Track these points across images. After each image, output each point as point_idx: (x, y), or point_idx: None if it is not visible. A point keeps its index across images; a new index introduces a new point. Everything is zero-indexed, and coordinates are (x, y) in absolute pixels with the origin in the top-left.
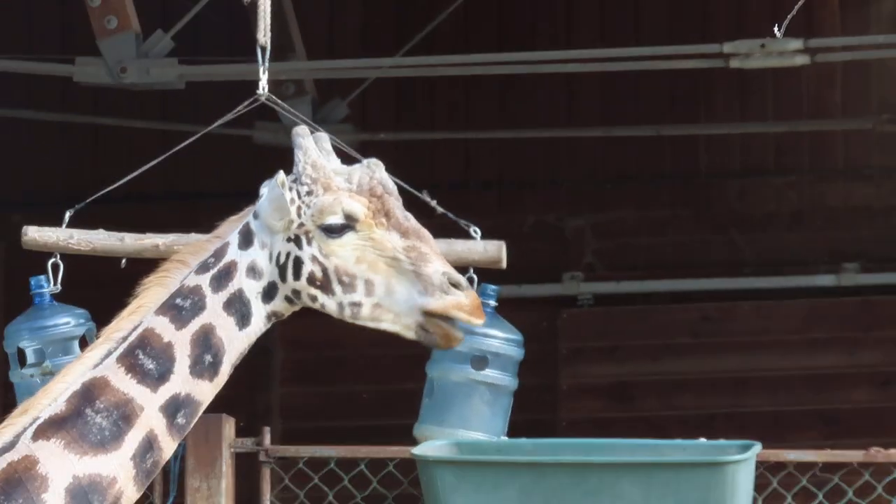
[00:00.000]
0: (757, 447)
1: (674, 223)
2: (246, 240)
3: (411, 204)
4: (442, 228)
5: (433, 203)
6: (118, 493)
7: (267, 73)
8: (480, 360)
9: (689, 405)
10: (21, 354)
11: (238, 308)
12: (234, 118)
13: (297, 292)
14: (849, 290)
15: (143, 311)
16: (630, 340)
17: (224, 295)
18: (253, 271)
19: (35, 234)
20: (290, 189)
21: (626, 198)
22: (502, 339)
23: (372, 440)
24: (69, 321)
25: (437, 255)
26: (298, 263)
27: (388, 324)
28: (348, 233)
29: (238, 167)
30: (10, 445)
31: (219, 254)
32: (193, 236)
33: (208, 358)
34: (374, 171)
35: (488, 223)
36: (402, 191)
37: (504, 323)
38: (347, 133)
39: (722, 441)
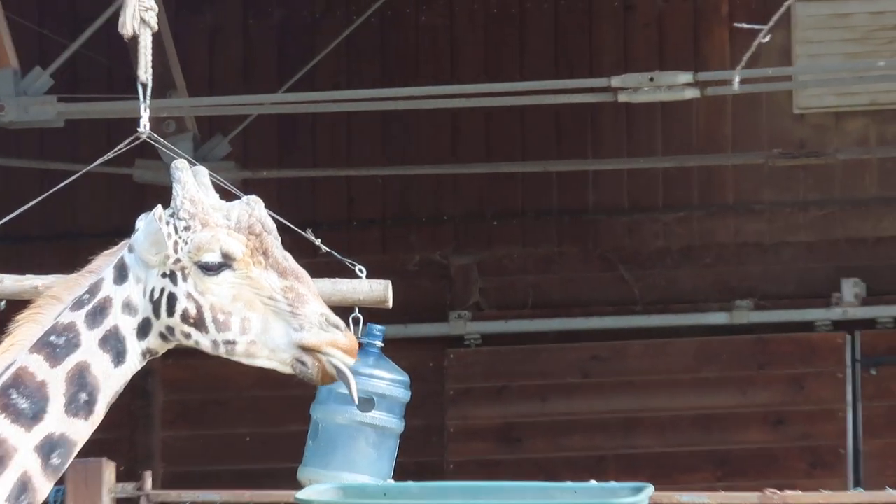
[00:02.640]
0: (649, 489)
1: (561, 260)
2: (121, 274)
3: (295, 243)
4: (327, 267)
5: (317, 242)
6: None
7: (148, 110)
8: (366, 402)
9: (578, 446)
10: None
11: (114, 345)
12: (115, 156)
13: (170, 329)
14: (741, 327)
15: (15, 350)
16: (518, 380)
17: (100, 332)
18: (128, 307)
19: None
20: (168, 223)
21: (513, 234)
22: (388, 381)
23: (256, 484)
24: None
25: (315, 297)
26: (172, 300)
27: (263, 360)
28: (225, 271)
29: (119, 206)
30: None
31: (94, 289)
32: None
33: (83, 396)
34: (252, 207)
35: (373, 261)
36: (285, 229)
37: (390, 364)
38: (230, 171)
39: (613, 483)
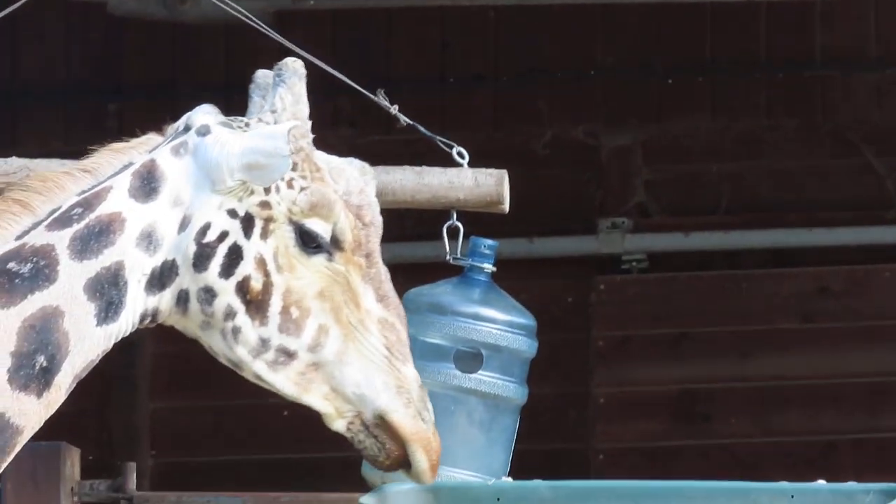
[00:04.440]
0: None
1: (772, 140)
2: (147, 185)
3: (358, 112)
4: (407, 150)
5: (393, 110)
6: None
7: None
8: (471, 358)
9: (793, 427)
10: None
11: (106, 291)
12: None
13: (207, 292)
14: None
15: None
16: (703, 326)
17: (91, 266)
18: (148, 239)
19: None
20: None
21: (697, 98)
22: (503, 325)
23: (291, 481)
24: None
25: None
26: (235, 254)
27: (314, 397)
28: (321, 255)
29: (83, 51)
30: None
31: (91, 201)
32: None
33: (41, 360)
34: (367, 182)
35: (481, 141)
36: (341, 88)
37: (506, 299)
38: None
39: (852, 484)
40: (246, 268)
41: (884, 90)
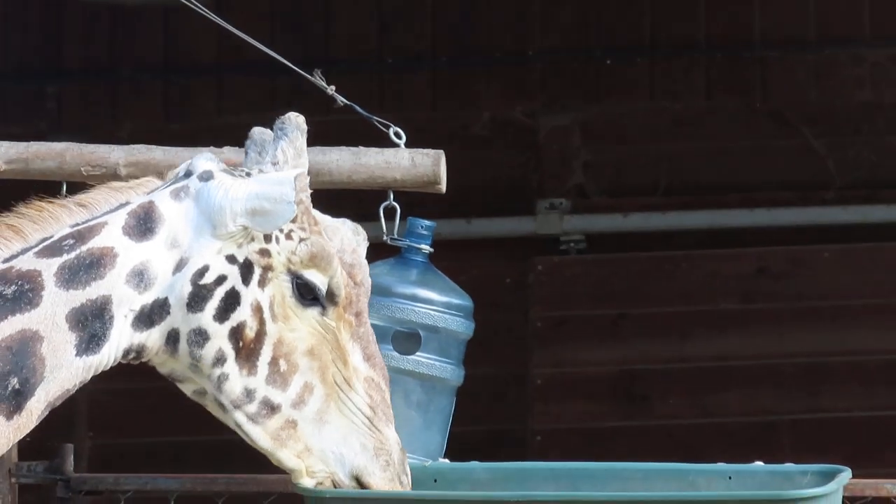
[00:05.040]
0: (845, 475)
1: (712, 121)
2: (142, 225)
3: (295, 95)
4: (344, 129)
5: (330, 90)
6: None
7: None
8: (408, 339)
9: (732, 407)
10: None
11: (90, 324)
12: None
13: (198, 335)
14: None
15: None
16: (642, 307)
17: (77, 296)
18: (139, 277)
19: None
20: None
21: (636, 80)
22: (441, 306)
23: (232, 463)
24: None
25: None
26: (232, 300)
27: (288, 454)
28: (316, 307)
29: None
30: None
31: (84, 234)
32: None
33: (13, 383)
34: (359, 243)
35: (418, 121)
36: (280, 69)
37: (443, 279)
38: None
39: (790, 465)
40: (242, 314)
41: (822, 71)
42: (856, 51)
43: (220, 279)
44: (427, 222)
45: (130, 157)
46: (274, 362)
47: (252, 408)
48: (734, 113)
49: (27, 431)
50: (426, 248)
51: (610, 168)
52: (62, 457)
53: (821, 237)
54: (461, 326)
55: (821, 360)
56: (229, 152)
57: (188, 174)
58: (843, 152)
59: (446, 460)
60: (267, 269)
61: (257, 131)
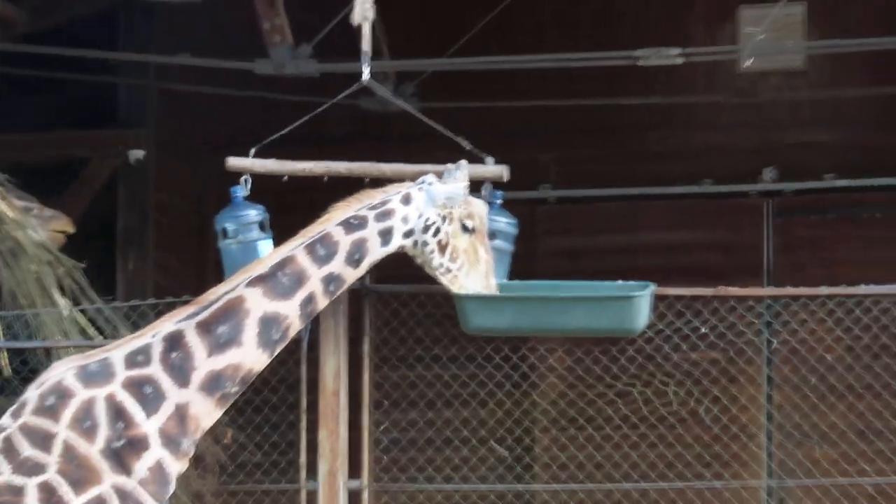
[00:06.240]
0: (652, 287)
1: None
2: (405, 201)
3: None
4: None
5: (467, 145)
6: (287, 325)
7: (369, 67)
8: (491, 235)
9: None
10: (224, 232)
11: (385, 234)
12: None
13: (425, 243)
14: None
15: (326, 223)
16: None
17: (381, 225)
18: (404, 219)
19: (234, 162)
20: (458, 200)
21: None
22: (505, 223)
23: None
24: (253, 212)
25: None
26: (438, 229)
27: (454, 286)
28: (468, 234)
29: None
30: (231, 290)
31: (383, 202)
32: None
33: (356, 256)
34: (481, 206)
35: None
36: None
37: (505, 212)
38: (413, 103)
39: (631, 283)
40: (441, 235)
41: None
42: None
43: (434, 222)
44: (499, 192)
45: (397, 170)
46: (452, 252)
47: (442, 270)
48: None
49: (357, 278)
50: (499, 200)
51: None
52: None
53: None
54: (513, 230)
55: None
56: (432, 169)
57: (422, 181)
58: None
59: (506, 280)
60: (450, 218)
61: (450, 165)
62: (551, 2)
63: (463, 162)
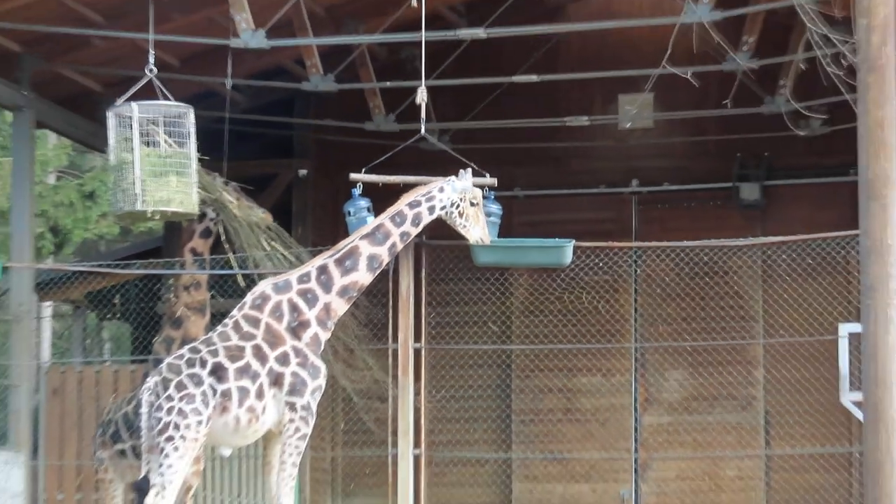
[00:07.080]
0: (573, 241)
1: None
2: (441, 190)
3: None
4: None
5: (474, 166)
6: (381, 260)
7: (424, 120)
8: (487, 215)
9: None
10: (348, 213)
11: (431, 209)
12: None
13: (451, 213)
14: None
15: (400, 204)
16: None
17: (428, 204)
18: (441, 201)
19: (354, 176)
20: (469, 191)
21: None
22: (496, 208)
23: None
24: (363, 202)
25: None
26: (457, 205)
27: (464, 231)
28: (473, 207)
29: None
30: (351, 242)
31: (429, 191)
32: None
33: (417, 221)
34: (477, 192)
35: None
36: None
37: (496, 202)
38: (447, 144)
39: (562, 239)
40: (461, 207)
41: None
42: None
43: (455, 202)
44: (491, 192)
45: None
46: (466, 217)
47: (460, 226)
48: None
49: (404, 245)
50: (493, 199)
51: None
52: None
53: None
54: (498, 210)
55: None
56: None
57: (449, 180)
58: None
59: (497, 238)
60: (464, 198)
61: (462, 171)
62: (528, 88)
63: (469, 169)
